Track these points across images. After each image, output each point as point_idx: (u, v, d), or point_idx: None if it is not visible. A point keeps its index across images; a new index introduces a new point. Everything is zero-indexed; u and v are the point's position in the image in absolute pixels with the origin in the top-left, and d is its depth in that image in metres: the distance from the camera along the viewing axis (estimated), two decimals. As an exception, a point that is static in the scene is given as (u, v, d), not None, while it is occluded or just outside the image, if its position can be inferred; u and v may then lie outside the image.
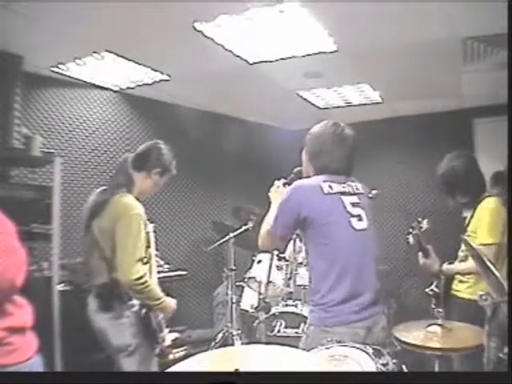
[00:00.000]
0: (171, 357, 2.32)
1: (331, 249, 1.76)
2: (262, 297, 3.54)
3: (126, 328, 2.08)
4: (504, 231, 2.28)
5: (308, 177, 1.92)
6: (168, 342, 2.25)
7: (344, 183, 1.85)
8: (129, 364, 2.10)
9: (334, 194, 1.79)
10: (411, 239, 2.42)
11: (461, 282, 2.41)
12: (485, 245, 2.19)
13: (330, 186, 1.79)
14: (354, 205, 1.82)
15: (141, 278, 1.98)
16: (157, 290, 2.12)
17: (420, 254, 2.44)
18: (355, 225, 1.79)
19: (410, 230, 2.40)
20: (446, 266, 2.41)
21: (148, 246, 2.16)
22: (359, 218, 1.82)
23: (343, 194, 1.81)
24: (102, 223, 2.10)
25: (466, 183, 2.42)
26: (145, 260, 2.07)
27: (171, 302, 2.23)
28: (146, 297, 2.06)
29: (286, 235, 1.92)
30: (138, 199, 2.19)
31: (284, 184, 2.06)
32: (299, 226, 1.82)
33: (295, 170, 2.09)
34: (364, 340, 1.66)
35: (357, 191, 1.88)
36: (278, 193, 2.03)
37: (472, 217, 2.40)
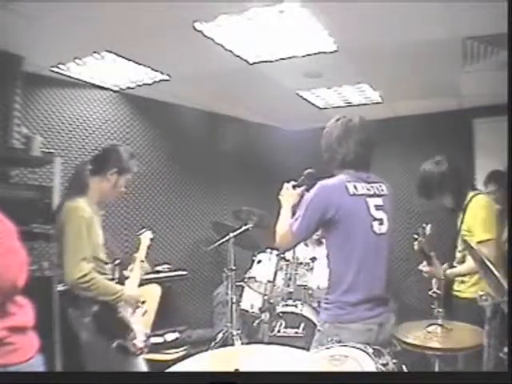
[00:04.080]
0: (145, 353, 2.23)
1: (350, 250, 1.78)
2: (266, 298, 3.52)
3: (89, 326, 2.11)
4: (499, 226, 2.30)
5: (331, 176, 1.90)
6: (140, 337, 2.19)
7: (369, 183, 1.85)
8: (93, 362, 2.15)
9: (360, 195, 1.80)
10: (416, 246, 2.45)
11: (461, 282, 2.40)
12: (482, 242, 2.19)
13: (355, 187, 1.80)
14: (377, 208, 1.82)
15: (84, 275, 2.00)
16: (111, 285, 2.15)
17: (424, 262, 2.44)
18: (376, 229, 1.81)
19: (415, 236, 2.42)
20: (449, 271, 2.40)
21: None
22: (381, 221, 1.82)
23: (368, 196, 1.82)
24: (56, 230, 2.18)
25: (442, 185, 2.42)
26: (91, 259, 2.09)
27: (131, 292, 2.21)
28: (97, 293, 2.07)
29: (310, 235, 1.90)
30: (101, 202, 2.28)
31: (293, 186, 2.04)
32: (323, 225, 1.82)
33: (305, 172, 2.07)
34: (377, 335, 1.72)
35: (382, 193, 1.88)
36: (288, 195, 2.01)
37: (464, 216, 2.41)
